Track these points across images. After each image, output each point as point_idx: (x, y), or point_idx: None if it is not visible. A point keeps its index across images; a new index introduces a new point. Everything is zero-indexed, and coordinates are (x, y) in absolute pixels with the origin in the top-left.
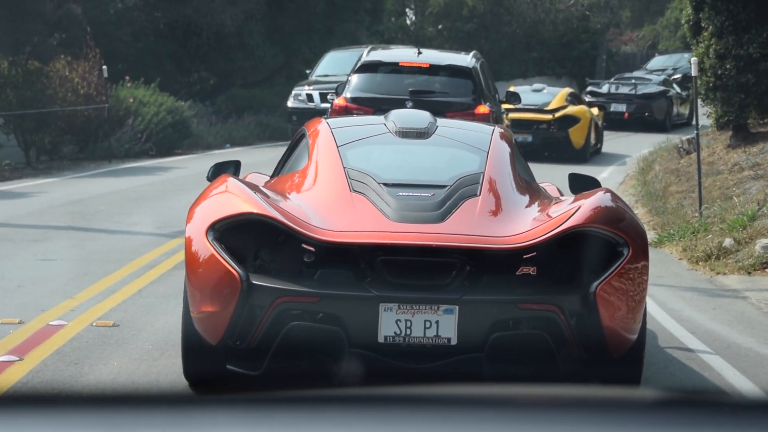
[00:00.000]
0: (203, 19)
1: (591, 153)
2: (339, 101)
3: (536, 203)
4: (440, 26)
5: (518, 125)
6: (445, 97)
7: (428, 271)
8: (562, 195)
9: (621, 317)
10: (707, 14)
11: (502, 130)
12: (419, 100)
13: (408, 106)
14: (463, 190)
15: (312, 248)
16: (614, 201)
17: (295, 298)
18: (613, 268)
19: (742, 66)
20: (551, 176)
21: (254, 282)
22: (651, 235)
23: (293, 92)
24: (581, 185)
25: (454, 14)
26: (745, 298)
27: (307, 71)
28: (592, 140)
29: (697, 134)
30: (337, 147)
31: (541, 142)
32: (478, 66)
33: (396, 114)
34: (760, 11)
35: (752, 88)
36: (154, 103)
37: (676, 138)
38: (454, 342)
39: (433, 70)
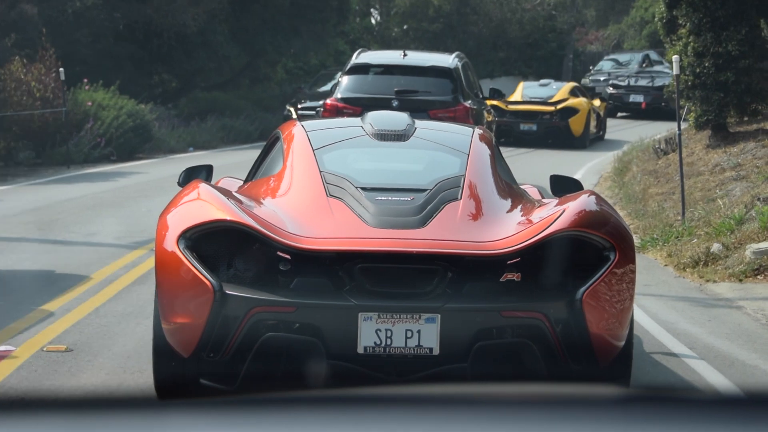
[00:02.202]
0: (164, 20)
1: (592, 140)
2: (330, 101)
3: (519, 207)
4: (406, 26)
5: (524, 116)
6: (428, 95)
7: (409, 278)
8: (543, 197)
9: (608, 324)
10: (684, 11)
11: (482, 132)
12: (404, 99)
13: (394, 105)
14: (444, 193)
15: (288, 256)
16: (599, 204)
17: (271, 308)
18: (599, 274)
19: (720, 64)
20: (552, 160)
21: (228, 292)
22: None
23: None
24: (562, 187)
25: (420, 14)
26: (739, 308)
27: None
28: (592, 128)
29: (679, 135)
30: (313, 150)
31: (544, 131)
32: (459, 66)
33: (373, 116)
34: (738, 7)
35: (731, 86)
36: (114, 107)
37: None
38: (436, 352)
39: (417, 70)
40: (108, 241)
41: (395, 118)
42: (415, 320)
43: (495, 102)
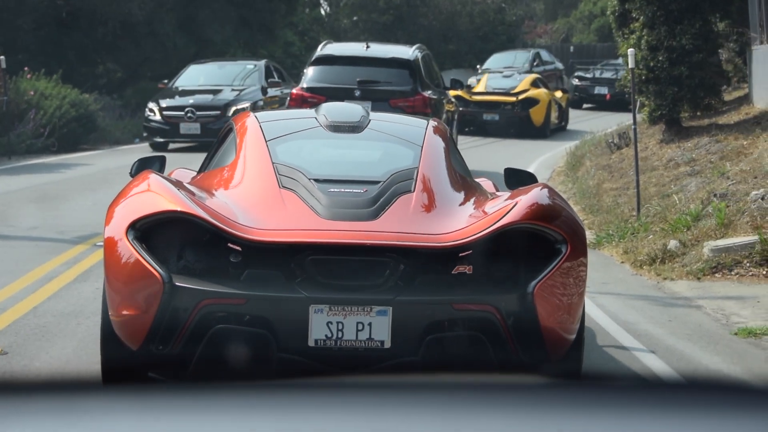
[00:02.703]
0: (109, 8)
1: (554, 130)
2: (296, 90)
3: (472, 199)
4: (355, 18)
5: (487, 106)
6: (389, 86)
7: (361, 270)
8: (498, 191)
9: (559, 317)
10: (638, 4)
11: (437, 124)
12: (366, 89)
13: (356, 95)
14: (397, 186)
15: (238, 248)
16: (551, 197)
17: (221, 300)
18: (551, 267)
19: (674, 58)
20: (514, 149)
21: (177, 283)
22: (588, 236)
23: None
24: (517, 180)
25: (370, 6)
26: (699, 308)
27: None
28: (553, 119)
29: (635, 129)
30: (266, 141)
31: (506, 121)
32: (419, 58)
33: (327, 107)
34: (691, 1)
35: (685, 81)
36: (56, 96)
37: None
38: (387, 345)
39: (379, 62)
40: (49, 235)
41: (349, 110)
42: (367, 313)
43: (459, 92)
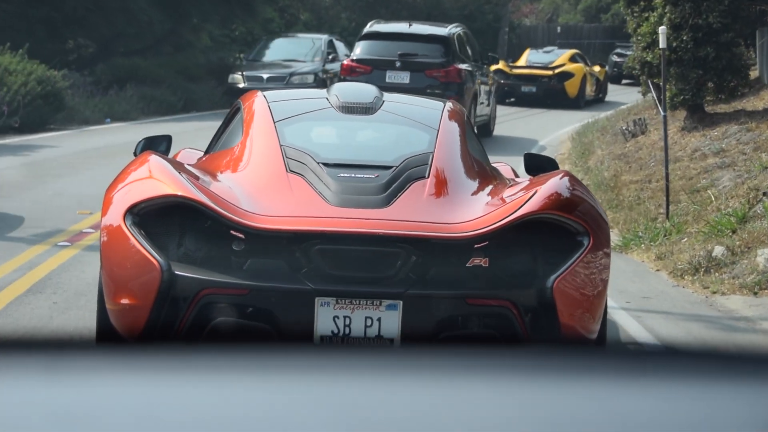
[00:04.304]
0: None
1: (591, 102)
2: (346, 62)
3: (489, 187)
4: None
5: (525, 79)
6: (426, 58)
7: (370, 261)
8: (517, 176)
9: (580, 315)
10: None
11: (453, 106)
12: (405, 61)
13: (397, 65)
14: (411, 171)
15: (241, 235)
16: (573, 185)
17: (222, 290)
18: (572, 260)
19: (700, 37)
20: (548, 117)
21: (176, 272)
22: (612, 237)
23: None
24: (537, 166)
25: None
26: (766, 332)
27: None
28: (589, 91)
29: (665, 117)
30: (274, 122)
31: (543, 93)
32: (454, 35)
33: (339, 87)
34: None
35: (711, 63)
36: (22, 72)
37: None
38: (398, 344)
39: (418, 38)
40: (5, 233)
41: (362, 90)
42: (376, 307)
43: (500, 66)
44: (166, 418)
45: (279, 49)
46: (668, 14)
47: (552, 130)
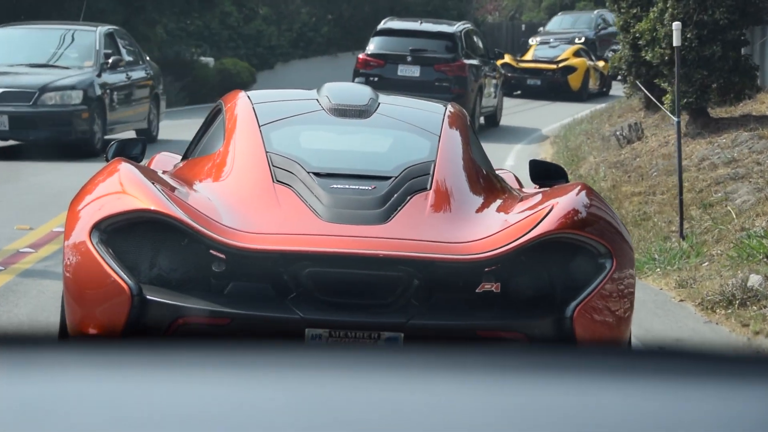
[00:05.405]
0: None
1: (594, 95)
2: (361, 56)
3: (498, 200)
4: None
5: (531, 72)
6: (434, 53)
7: (367, 286)
8: (521, 186)
9: None
10: None
11: (454, 109)
12: (416, 56)
13: (408, 60)
14: (411, 182)
15: (222, 255)
16: (592, 200)
17: (200, 318)
18: (593, 285)
19: (705, 35)
20: (550, 109)
21: (148, 296)
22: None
23: None
24: (543, 174)
25: None
26: None
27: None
28: (592, 85)
29: (678, 124)
30: (259, 126)
31: (547, 86)
32: (461, 32)
33: (331, 87)
34: None
35: (717, 63)
36: None
37: None
38: None
39: (428, 34)
40: None
41: (356, 91)
42: (374, 340)
43: (507, 60)
44: (139, 417)
45: (18, 46)
46: (670, 9)
47: (553, 120)
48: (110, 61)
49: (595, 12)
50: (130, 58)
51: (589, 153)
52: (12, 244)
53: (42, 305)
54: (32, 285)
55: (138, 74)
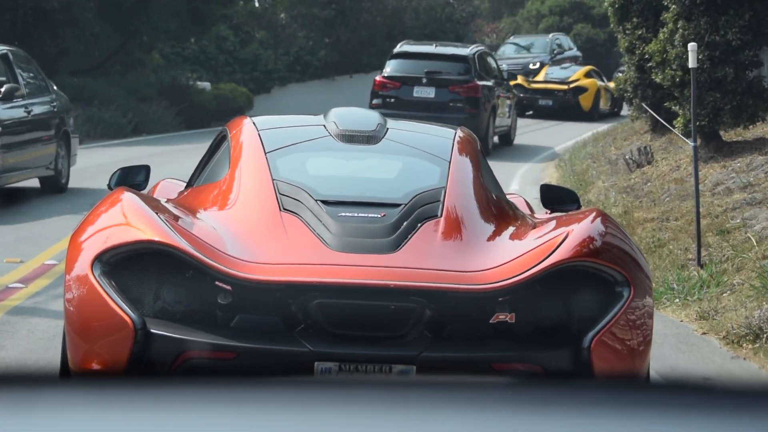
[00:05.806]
0: None
1: (605, 115)
2: (379, 78)
3: (511, 227)
4: (294, 12)
5: (542, 93)
6: (449, 75)
7: (378, 318)
8: (532, 211)
9: (622, 377)
10: None
11: (464, 134)
12: (431, 77)
13: (423, 81)
14: (421, 209)
15: (228, 287)
16: (607, 226)
17: (206, 352)
18: (611, 315)
19: (717, 56)
20: (562, 128)
21: (152, 330)
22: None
23: None
24: (555, 199)
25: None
26: None
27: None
28: (602, 106)
29: (695, 148)
30: (265, 153)
31: (558, 106)
32: (475, 55)
33: (338, 113)
34: None
35: (730, 85)
36: None
37: None
38: None
39: (443, 57)
40: None
41: (364, 117)
42: (385, 374)
43: (519, 81)
44: None
45: None
46: (681, 30)
47: (565, 139)
48: (2, 90)
49: (550, 36)
50: (30, 88)
51: (597, 177)
52: (0, 278)
53: (31, 347)
54: (21, 324)
55: (41, 108)
